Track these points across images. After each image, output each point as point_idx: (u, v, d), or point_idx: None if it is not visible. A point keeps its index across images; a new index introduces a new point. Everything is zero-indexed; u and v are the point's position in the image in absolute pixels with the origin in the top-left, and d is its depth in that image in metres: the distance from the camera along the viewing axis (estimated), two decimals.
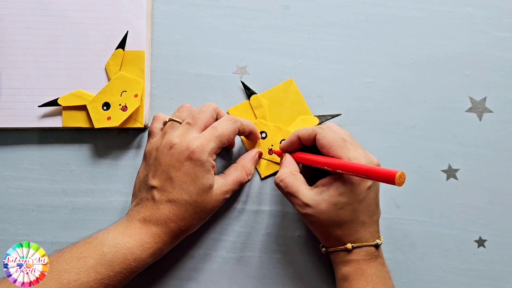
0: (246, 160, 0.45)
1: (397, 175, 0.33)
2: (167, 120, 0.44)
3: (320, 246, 0.43)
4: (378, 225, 0.41)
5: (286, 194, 0.42)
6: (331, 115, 0.47)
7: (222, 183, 0.42)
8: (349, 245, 0.40)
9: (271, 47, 0.48)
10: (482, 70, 0.48)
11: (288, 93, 0.48)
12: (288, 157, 0.44)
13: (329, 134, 0.41)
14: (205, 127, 0.42)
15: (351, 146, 0.40)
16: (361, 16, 0.48)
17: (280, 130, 0.47)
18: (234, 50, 0.48)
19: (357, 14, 0.48)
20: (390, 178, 0.33)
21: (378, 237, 0.41)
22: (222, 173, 0.44)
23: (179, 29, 0.48)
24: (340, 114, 0.47)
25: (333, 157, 0.40)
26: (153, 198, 0.41)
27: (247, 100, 0.48)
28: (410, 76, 0.48)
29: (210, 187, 0.41)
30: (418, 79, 0.48)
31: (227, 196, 0.43)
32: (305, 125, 0.47)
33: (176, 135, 0.41)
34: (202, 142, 0.40)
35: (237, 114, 0.48)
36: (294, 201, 0.41)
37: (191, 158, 0.40)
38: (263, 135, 0.47)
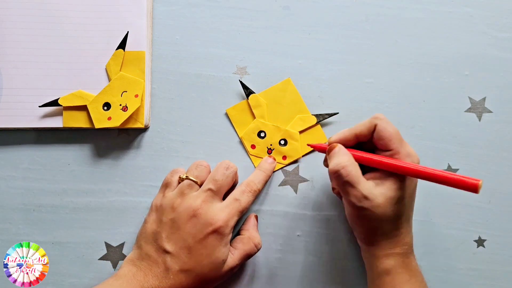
0: (250, 230, 0.45)
1: (480, 183, 0.35)
2: (183, 176, 0.43)
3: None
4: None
5: (345, 183, 0.38)
6: (328, 114, 0.47)
7: (229, 259, 0.42)
8: None
9: (271, 48, 0.48)
10: (481, 70, 0.48)
11: (286, 92, 0.48)
12: (342, 148, 0.40)
13: (389, 125, 0.39)
14: (225, 192, 0.43)
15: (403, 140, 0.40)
16: (361, 16, 0.49)
17: (278, 129, 0.47)
18: (234, 50, 0.48)
19: (357, 14, 0.49)
20: (472, 188, 0.35)
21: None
22: (230, 245, 0.43)
23: (180, 30, 0.48)
24: (338, 113, 0.47)
25: (391, 150, 0.39)
26: (164, 264, 0.40)
27: (245, 100, 0.48)
28: (410, 76, 0.48)
29: (223, 262, 0.41)
30: (417, 79, 0.48)
31: (234, 271, 0.43)
32: (303, 124, 0.47)
33: (199, 203, 0.41)
34: (227, 217, 0.41)
35: (236, 114, 0.48)
36: (352, 192, 0.38)
37: (214, 232, 0.40)
38: (262, 134, 0.47)
